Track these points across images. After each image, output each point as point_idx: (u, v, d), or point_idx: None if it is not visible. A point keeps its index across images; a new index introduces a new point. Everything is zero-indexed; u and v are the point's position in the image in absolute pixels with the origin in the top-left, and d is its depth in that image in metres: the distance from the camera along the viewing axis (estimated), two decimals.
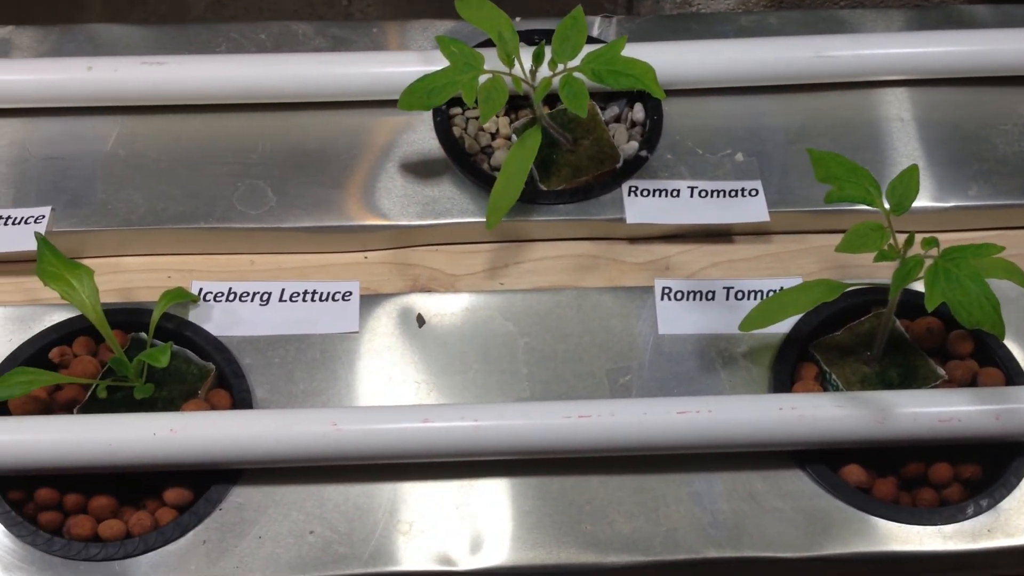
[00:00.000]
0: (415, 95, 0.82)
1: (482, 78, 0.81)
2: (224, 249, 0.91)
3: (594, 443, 0.76)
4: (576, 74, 0.81)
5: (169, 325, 0.82)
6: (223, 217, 0.90)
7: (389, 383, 0.83)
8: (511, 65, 0.82)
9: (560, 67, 0.82)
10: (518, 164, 0.82)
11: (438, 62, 0.88)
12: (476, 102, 0.81)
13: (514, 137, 0.95)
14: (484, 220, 0.90)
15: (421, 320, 0.86)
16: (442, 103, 0.82)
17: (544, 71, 0.84)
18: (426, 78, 0.82)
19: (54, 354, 0.82)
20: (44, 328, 0.82)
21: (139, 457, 0.74)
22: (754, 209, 0.91)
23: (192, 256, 0.91)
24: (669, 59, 0.92)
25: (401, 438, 0.75)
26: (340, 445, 0.75)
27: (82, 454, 0.73)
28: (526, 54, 0.86)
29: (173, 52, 0.98)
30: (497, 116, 0.96)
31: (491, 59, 0.86)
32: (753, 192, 0.92)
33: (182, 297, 0.82)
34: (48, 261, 0.80)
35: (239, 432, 0.74)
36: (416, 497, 0.78)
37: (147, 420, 0.74)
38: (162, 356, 0.74)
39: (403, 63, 0.94)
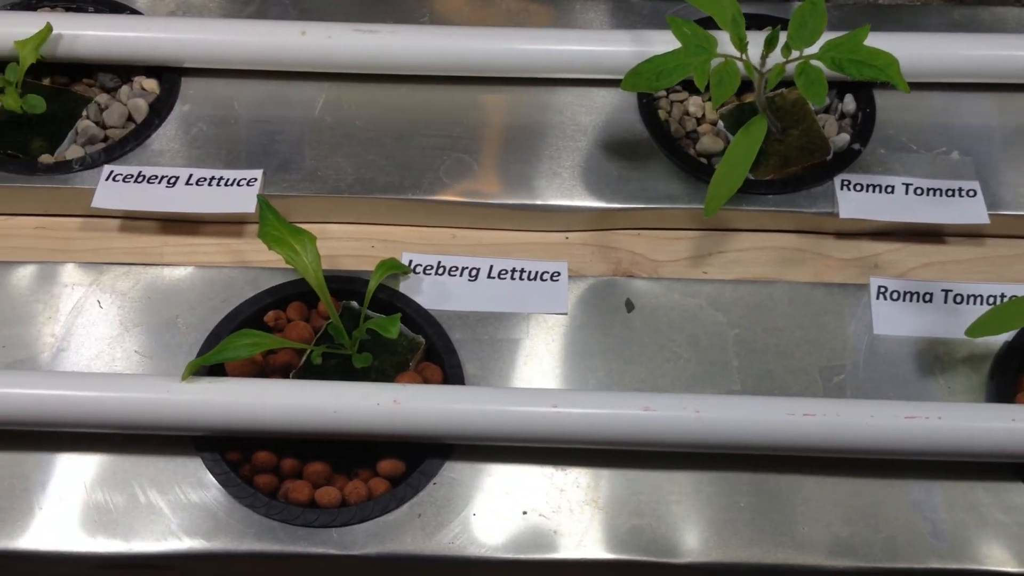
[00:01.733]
0: (642, 76, 0.80)
1: (714, 62, 0.80)
2: (427, 221, 0.91)
3: (818, 442, 0.74)
4: (814, 62, 0.79)
5: (381, 295, 0.82)
6: (429, 189, 0.89)
7: (598, 367, 0.81)
8: (743, 49, 0.80)
9: (795, 54, 0.80)
10: (742, 152, 0.80)
11: (648, 42, 0.87)
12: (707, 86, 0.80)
13: (720, 123, 0.93)
14: (689, 207, 0.89)
15: (630, 305, 0.84)
16: (671, 85, 0.80)
17: (775, 57, 0.82)
18: (655, 59, 0.80)
19: (269, 318, 0.82)
20: (259, 292, 0.83)
21: (362, 426, 0.74)
22: (972, 210, 0.88)
23: (395, 227, 0.91)
24: (901, 51, 0.88)
25: (621, 424, 0.74)
26: (561, 428, 0.74)
27: (307, 420, 0.73)
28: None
29: (374, 19, 0.97)
30: (704, 101, 0.94)
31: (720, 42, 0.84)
32: (971, 192, 0.89)
33: (396, 268, 0.82)
34: (272, 225, 0.80)
35: (462, 408, 0.74)
36: (625, 484, 0.77)
37: (372, 390, 0.74)
38: (392, 327, 0.74)
39: (612, 42, 0.92)
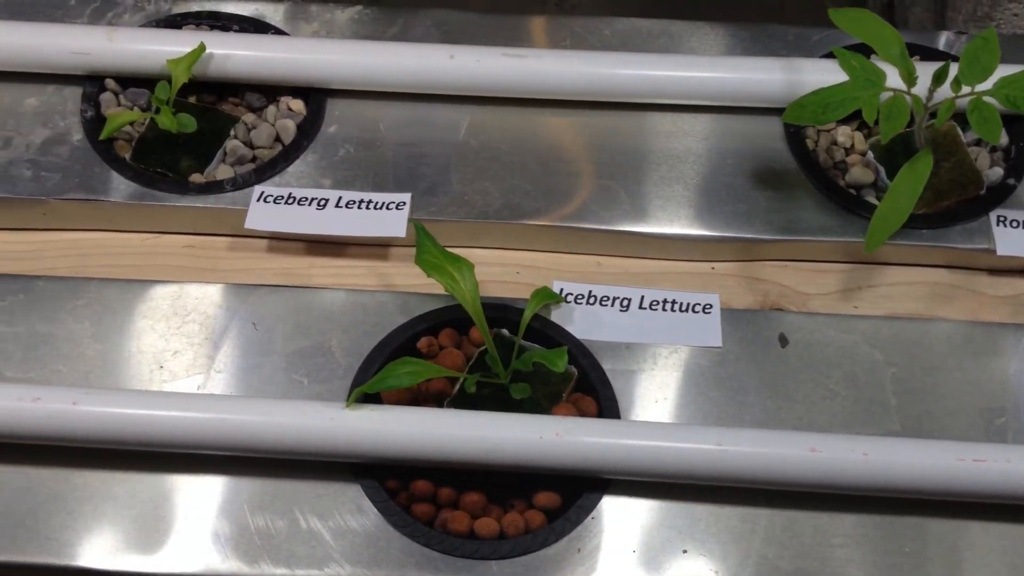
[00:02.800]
0: (807, 109, 0.79)
1: (882, 95, 0.78)
2: (572, 248, 0.90)
3: (988, 489, 0.72)
4: (987, 98, 0.78)
5: (534, 324, 0.82)
6: (576, 216, 0.89)
7: (754, 403, 0.80)
8: (912, 84, 0.79)
9: (966, 89, 0.79)
10: (908, 187, 0.79)
11: (799, 70, 0.87)
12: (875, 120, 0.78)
13: (870, 154, 0.91)
14: (840, 240, 0.88)
15: (784, 340, 0.83)
16: (838, 119, 0.79)
17: (942, 91, 0.81)
18: (821, 92, 0.79)
19: (422, 344, 0.82)
20: (411, 318, 0.83)
21: (524, 459, 0.73)
22: None
23: (540, 253, 0.90)
24: None
25: (787, 465, 0.73)
26: (725, 467, 0.73)
27: (470, 450, 0.73)
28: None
29: (517, 43, 0.97)
30: (852, 131, 0.93)
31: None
32: None
33: (551, 298, 0.81)
34: (429, 251, 0.80)
35: (625, 443, 0.73)
36: (786, 525, 0.76)
37: (535, 422, 0.74)
38: (559, 360, 0.74)
39: (763, 70, 0.91)
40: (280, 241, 0.90)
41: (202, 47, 0.89)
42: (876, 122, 0.77)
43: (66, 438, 0.73)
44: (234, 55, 0.90)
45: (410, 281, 0.88)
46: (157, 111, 0.89)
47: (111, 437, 0.73)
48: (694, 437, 0.74)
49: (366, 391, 0.74)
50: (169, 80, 0.90)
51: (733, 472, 0.73)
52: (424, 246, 0.80)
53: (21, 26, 0.92)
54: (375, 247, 0.90)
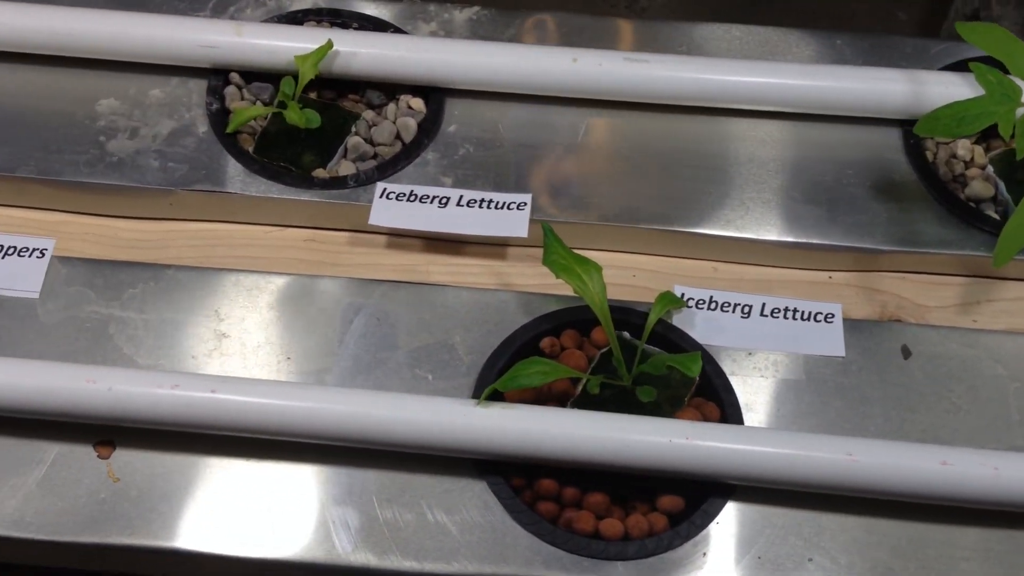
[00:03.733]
0: (940, 122, 0.79)
1: (1019, 111, 0.78)
2: (689, 253, 0.90)
3: None
4: None
5: (656, 328, 0.82)
6: (695, 222, 0.89)
7: (876, 414, 0.80)
8: None
9: None
10: None
11: (922, 82, 0.87)
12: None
13: (990, 168, 0.91)
14: (960, 253, 0.88)
15: (907, 352, 0.83)
16: (972, 133, 0.79)
17: None
18: (955, 105, 0.79)
19: (545, 344, 0.83)
20: (533, 318, 0.84)
21: (652, 461, 0.74)
22: None
23: (656, 257, 0.91)
24: None
25: (918, 477, 0.73)
26: (855, 477, 0.73)
27: (600, 451, 0.74)
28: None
29: (631, 48, 0.98)
30: (972, 144, 0.93)
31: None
32: None
33: (675, 303, 0.82)
34: (557, 253, 0.80)
35: (754, 449, 0.73)
36: (912, 537, 0.76)
37: (664, 425, 0.74)
38: (693, 365, 0.74)
39: (885, 80, 0.91)
40: (399, 237, 0.91)
41: (329, 44, 0.90)
42: (1002, 136, 0.77)
43: (203, 425, 0.74)
44: (360, 53, 0.91)
45: (528, 281, 0.89)
46: (282, 105, 0.91)
47: (247, 426, 0.74)
48: (825, 447, 0.74)
49: (499, 389, 0.75)
50: (294, 76, 0.91)
51: (864, 483, 0.73)
52: (552, 247, 0.81)
53: (150, 18, 0.93)
54: (492, 246, 0.90)
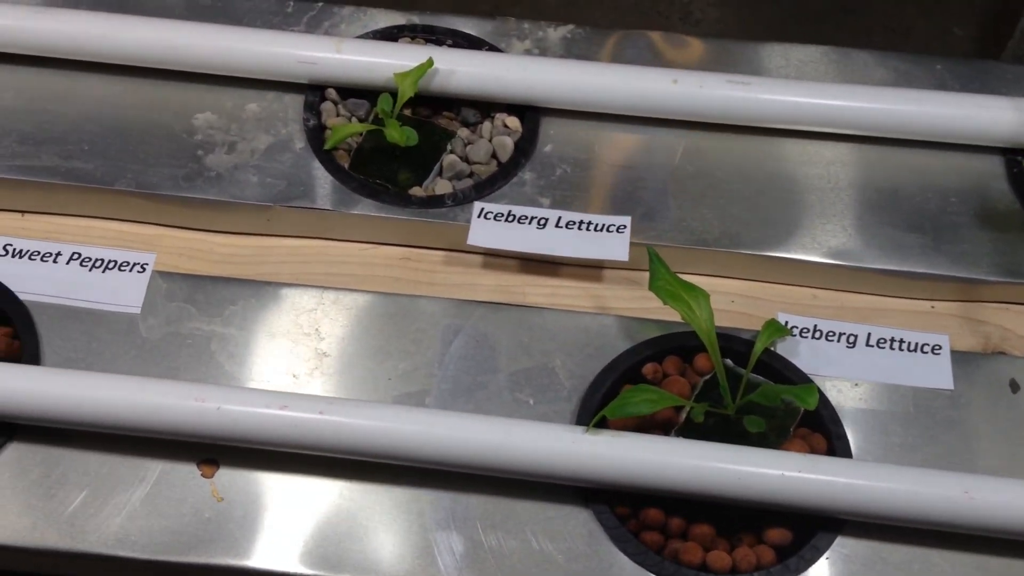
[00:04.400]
0: None
1: None
2: (789, 279, 0.89)
3: None
4: None
5: (760, 356, 0.81)
6: (795, 248, 0.88)
7: (987, 449, 0.79)
8: None
9: None
10: None
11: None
12: None
13: None
14: None
15: (1015, 386, 0.82)
16: None
17: None
18: None
19: (647, 370, 0.82)
20: (636, 343, 0.83)
21: (764, 494, 0.73)
22: None
23: (755, 283, 0.90)
24: None
25: None
26: (972, 515, 0.71)
27: (711, 483, 0.73)
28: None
29: (727, 69, 0.97)
30: None
31: None
32: None
33: (781, 332, 0.80)
34: (664, 279, 0.80)
35: (870, 485, 0.72)
36: None
37: (777, 458, 0.73)
38: (810, 397, 0.73)
39: (991, 107, 0.89)
40: (494, 257, 0.90)
41: (430, 62, 0.90)
42: None
43: (311, 447, 0.74)
44: (458, 71, 0.91)
45: (625, 304, 0.88)
46: (379, 122, 0.91)
47: (354, 448, 0.73)
48: (941, 483, 0.72)
49: (609, 416, 0.74)
50: (392, 92, 0.91)
51: (982, 522, 0.71)
52: (659, 273, 0.80)
53: (250, 32, 0.93)
54: (589, 268, 0.90)
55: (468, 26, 0.99)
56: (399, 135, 0.88)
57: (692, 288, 0.80)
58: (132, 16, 0.93)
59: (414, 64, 0.90)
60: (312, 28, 0.99)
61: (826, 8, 1.98)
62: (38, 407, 0.74)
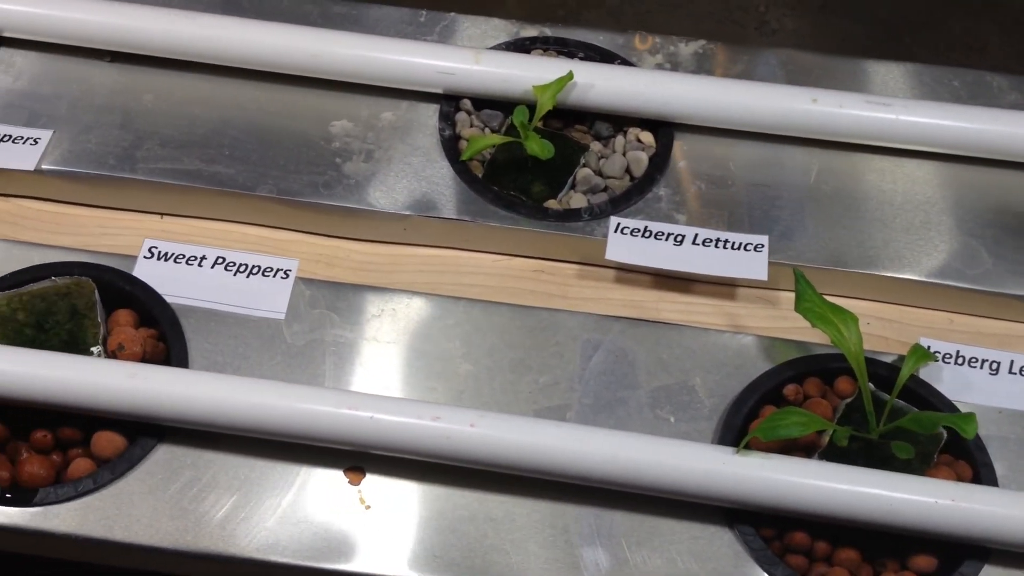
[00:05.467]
0: None
1: None
2: (926, 303, 0.88)
3: None
4: None
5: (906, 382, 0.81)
6: (937, 272, 0.87)
7: None
8: None
9: None
10: None
11: None
12: None
13: None
14: None
15: None
16: None
17: None
18: None
19: (789, 391, 0.81)
20: (776, 364, 0.82)
21: (915, 522, 0.72)
22: None
23: (891, 305, 0.89)
24: None
25: None
26: None
27: (862, 508, 0.72)
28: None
29: (873, 87, 0.96)
30: None
31: None
32: None
33: (926, 358, 0.79)
34: (811, 300, 0.79)
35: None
36: None
37: (929, 486, 0.73)
38: (968, 426, 0.72)
39: None
40: (627, 272, 0.90)
41: (570, 75, 0.90)
42: None
43: (461, 459, 0.74)
44: (596, 85, 0.91)
45: (760, 323, 0.88)
46: (513, 133, 0.91)
47: (504, 462, 0.74)
48: None
49: (760, 437, 0.74)
50: (527, 104, 0.91)
51: None
52: (805, 294, 0.80)
53: (389, 42, 0.94)
54: (722, 285, 0.90)
55: (599, 39, 1.00)
56: (539, 148, 0.89)
57: (840, 311, 0.79)
58: (273, 23, 0.94)
59: (552, 77, 0.91)
60: (445, 38, 0.99)
61: (902, 21, 1.97)
62: (190, 410, 0.75)
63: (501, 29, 1.00)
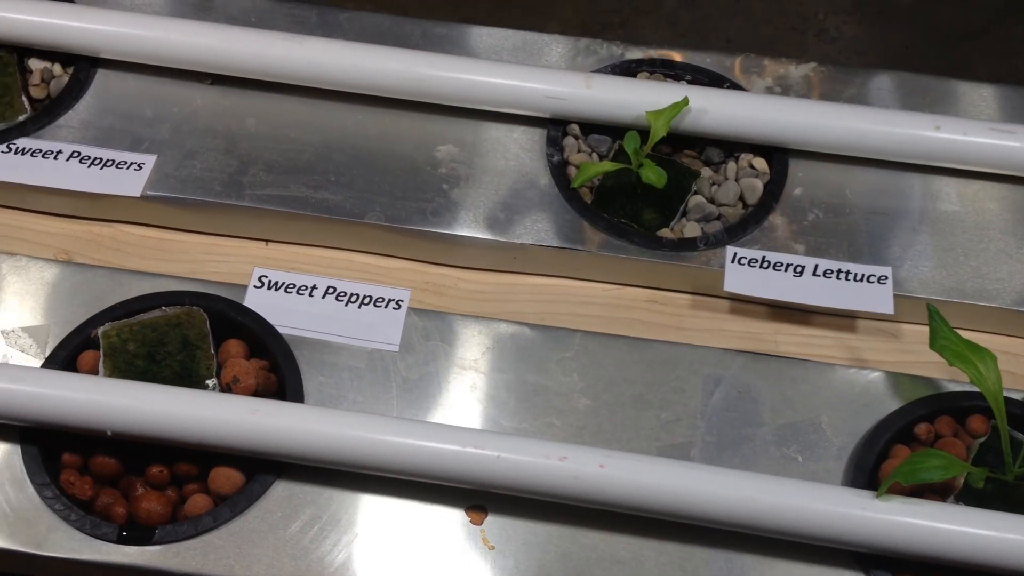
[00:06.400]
0: None
1: None
2: None
3: None
4: None
5: None
6: None
7: None
8: None
9: None
10: None
11: None
12: None
13: None
14: None
15: None
16: None
17: None
18: None
19: (921, 430, 0.79)
20: (907, 402, 0.80)
21: None
22: None
23: (1016, 339, 0.86)
24: None
25: None
26: None
27: (1007, 554, 0.70)
28: None
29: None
30: None
31: None
32: None
33: None
34: (947, 337, 0.77)
35: None
36: None
37: None
38: None
39: None
40: (743, 303, 0.88)
41: (685, 101, 0.88)
42: None
43: (590, 500, 0.72)
44: (710, 111, 0.89)
45: (881, 356, 0.85)
46: (619, 158, 0.89)
47: (637, 504, 0.72)
48: None
49: (900, 481, 0.71)
50: (638, 129, 0.89)
51: None
52: (941, 331, 0.77)
53: (497, 65, 0.92)
54: (841, 317, 0.87)
55: (704, 60, 0.97)
56: (655, 176, 0.86)
57: (978, 348, 0.76)
58: (378, 46, 0.92)
59: (665, 102, 0.88)
60: (549, 60, 0.97)
61: (962, 28, 1.93)
62: (313, 448, 0.73)
63: (596, 51, 0.98)
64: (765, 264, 0.86)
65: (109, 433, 0.73)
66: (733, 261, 0.86)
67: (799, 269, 0.86)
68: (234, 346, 0.81)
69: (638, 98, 0.89)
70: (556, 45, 0.98)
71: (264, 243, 0.90)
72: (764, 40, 2.10)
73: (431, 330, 0.83)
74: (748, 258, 0.86)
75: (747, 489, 0.72)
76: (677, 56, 0.97)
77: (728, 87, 0.95)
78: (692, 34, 2.09)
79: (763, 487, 0.72)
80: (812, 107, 0.90)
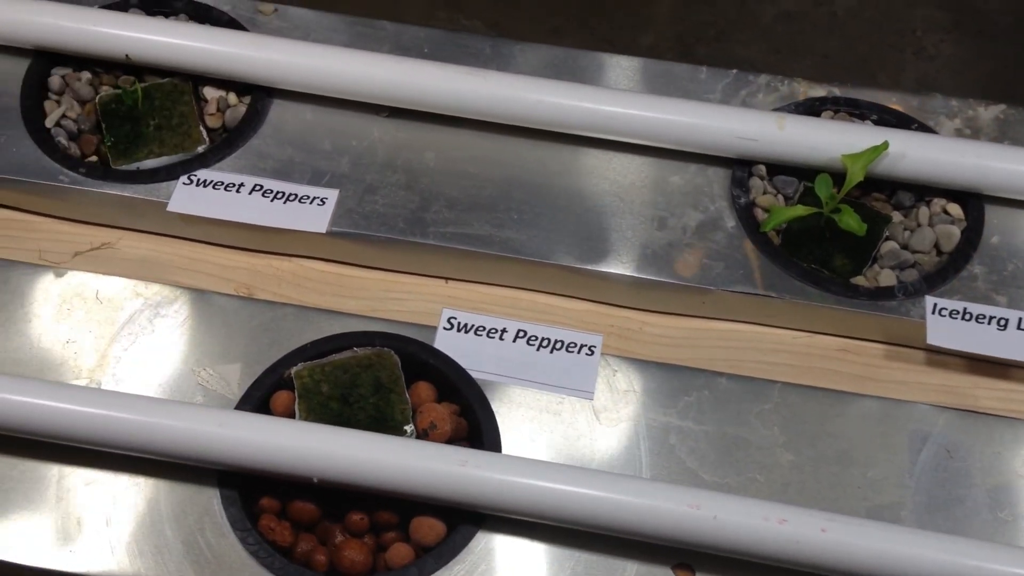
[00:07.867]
0: None
1: None
2: None
3: None
4: None
5: None
6: None
7: None
8: None
9: None
10: None
11: None
12: None
13: None
14: None
15: None
16: None
17: None
18: None
19: None
20: None
21: None
22: None
23: None
24: None
25: None
26: None
27: None
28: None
29: None
30: None
31: None
32: None
33: None
34: None
35: None
36: None
37: None
38: None
39: None
40: (938, 355, 0.85)
41: (885, 145, 0.85)
42: None
43: (812, 566, 0.69)
44: (908, 155, 0.86)
45: None
46: (805, 199, 0.86)
47: (859, 570, 0.69)
48: None
49: None
50: (830, 172, 0.87)
51: None
52: None
53: (684, 104, 0.89)
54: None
55: (889, 99, 0.94)
56: (855, 224, 0.83)
57: None
58: (559, 81, 0.90)
59: (861, 146, 0.86)
60: (728, 97, 0.95)
61: None
62: (522, 501, 0.71)
63: (748, 82, 0.95)
64: (967, 316, 0.83)
65: (316, 480, 0.72)
66: (934, 312, 0.83)
67: (1003, 322, 0.83)
68: (424, 389, 0.80)
69: (832, 141, 0.87)
70: (698, 75, 0.95)
71: (444, 281, 0.89)
72: (861, 57, 2.07)
73: (624, 377, 0.81)
74: (950, 309, 0.83)
75: (976, 558, 0.69)
76: (858, 95, 0.95)
77: (916, 128, 0.92)
78: (787, 49, 2.06)
79: (992, 556, 0.69)
80: (1012, 152, 0.87)
